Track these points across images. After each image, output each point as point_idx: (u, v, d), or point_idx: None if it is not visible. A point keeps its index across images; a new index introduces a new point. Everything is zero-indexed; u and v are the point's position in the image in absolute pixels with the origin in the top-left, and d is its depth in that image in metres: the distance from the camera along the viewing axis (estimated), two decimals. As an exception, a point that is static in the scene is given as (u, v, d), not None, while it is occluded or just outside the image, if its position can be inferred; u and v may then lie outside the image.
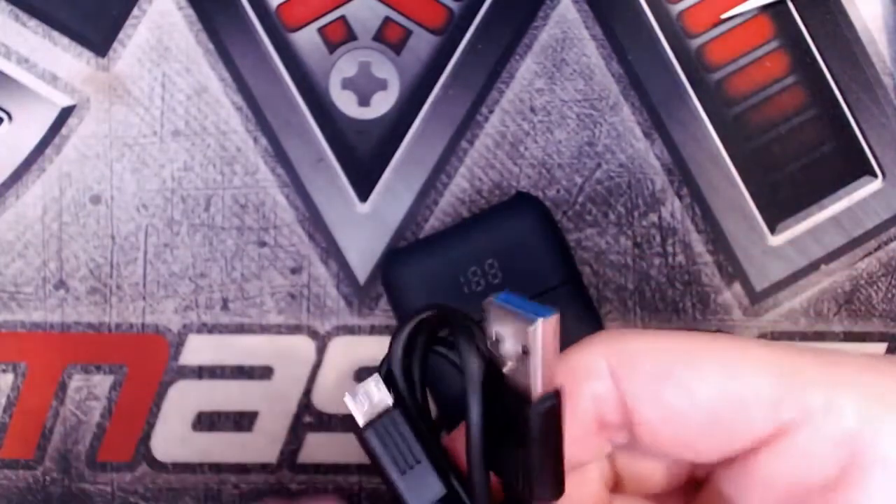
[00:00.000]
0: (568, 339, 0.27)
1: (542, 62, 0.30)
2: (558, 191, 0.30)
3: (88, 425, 0.30)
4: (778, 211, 0.30)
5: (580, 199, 0.30)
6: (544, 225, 0.28)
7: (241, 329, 0.30)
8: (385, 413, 0.19)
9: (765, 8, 0.30)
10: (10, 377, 0.30)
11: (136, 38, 0.30)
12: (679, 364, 0.19)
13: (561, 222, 0.30)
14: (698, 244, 0.30)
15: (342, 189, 0.30)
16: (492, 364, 0.18)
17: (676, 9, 0.30)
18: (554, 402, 0.18)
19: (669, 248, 0.30)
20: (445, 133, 0.30)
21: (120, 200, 0.30)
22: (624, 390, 0.19)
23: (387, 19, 0.30)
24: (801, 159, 0.30)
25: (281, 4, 0.30)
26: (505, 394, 0.18)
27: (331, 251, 0.30)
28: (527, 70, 0.30)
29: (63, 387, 0.30)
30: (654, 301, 0.30)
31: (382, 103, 0.30)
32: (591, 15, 0.30)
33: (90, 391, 0.30)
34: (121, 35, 0.30)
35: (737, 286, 0.30)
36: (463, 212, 0.30)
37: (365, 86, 0.30)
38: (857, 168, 0.30)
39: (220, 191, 0.30)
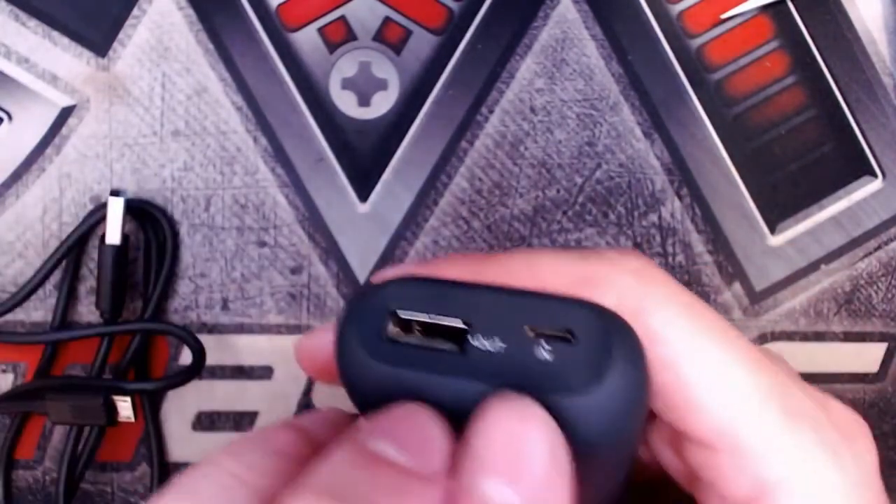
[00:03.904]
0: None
1: (542, 62, 0.30)
2: (558, 191, 0.30)
3: (88, 425, 0.30)
4: (778, 211, 0.30)
5: (580, 199, 0.30)
6: None
7: (241, 329, 0.30)
8: None
9: (765, 8, 0.30)
10: (10, 377, 0.30)
11: (136, 38, 0.30)
12: None
13: (561, 222, 0.30)
14: (698, 244, 0.30)
15: (342, 189, 0.30)
16: None
17: (676, 9, 0.30)
18: None
19: (669, 248, 0.30)
20: (445, 133, 0.30)
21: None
22: None
23: (387, 19, 0.30)
24: (801, 159, 0.30)
25: (281, 4, 0.30)
26: None
27: (331, 251, 0.30)
28: (527, 70, 0.30)
29: (63, 387, 0.30)
30: (654, 301, 0.30)
31: (382, 103, 0.30)
32: (591, 15, 0.30)
33: (90, 391, 0.30)
34: (121, 35, 0.30)
35: (737, 286, 0.30)
36: (463, 212, 0.30)
37: (365, 86, 0.30)
38: (857, 168, 0.30)
39: (220, 191, 0.30)
